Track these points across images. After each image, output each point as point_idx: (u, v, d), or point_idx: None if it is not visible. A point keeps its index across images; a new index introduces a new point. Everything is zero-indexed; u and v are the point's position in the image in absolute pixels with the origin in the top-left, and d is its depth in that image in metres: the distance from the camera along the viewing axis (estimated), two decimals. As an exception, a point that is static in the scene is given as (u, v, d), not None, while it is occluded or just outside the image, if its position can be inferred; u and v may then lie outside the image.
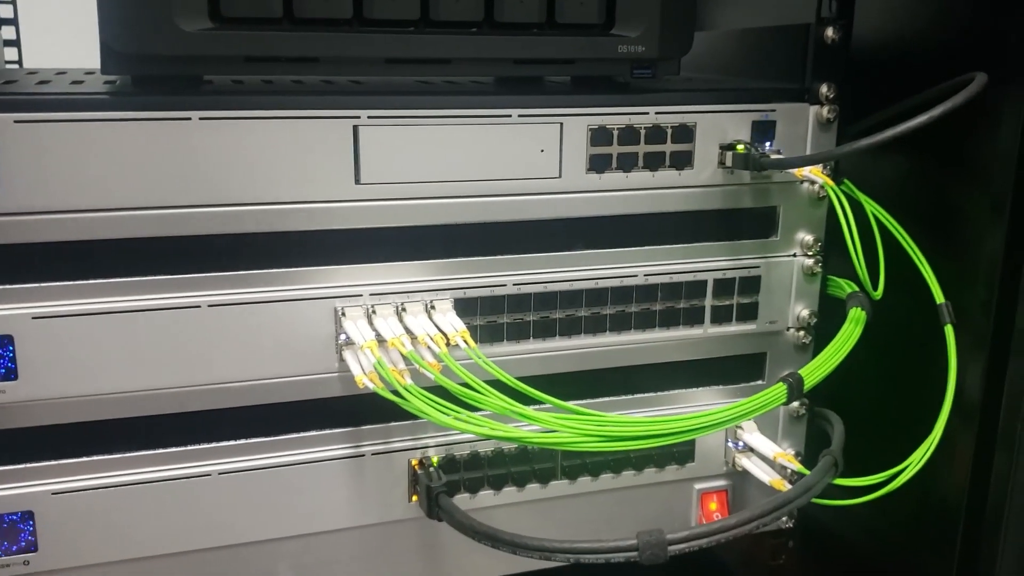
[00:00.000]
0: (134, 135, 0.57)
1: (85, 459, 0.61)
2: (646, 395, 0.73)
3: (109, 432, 0.61)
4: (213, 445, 0.63)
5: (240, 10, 0.56)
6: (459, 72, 0.63)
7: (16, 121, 0.55)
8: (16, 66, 0.97)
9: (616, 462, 0.72)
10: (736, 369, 0.75)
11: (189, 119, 0.58)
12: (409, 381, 0.59)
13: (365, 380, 0.59)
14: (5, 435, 0.59)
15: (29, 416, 0.59)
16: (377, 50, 0.60)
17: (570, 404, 0.59)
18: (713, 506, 0.76)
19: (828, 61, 0.70)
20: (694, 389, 0.74)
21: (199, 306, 0.60)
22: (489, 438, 0.57)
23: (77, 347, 0.59)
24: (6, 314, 0.57)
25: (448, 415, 0.56)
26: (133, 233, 0.58)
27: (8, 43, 0.97)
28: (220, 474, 0.63)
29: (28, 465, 0.60)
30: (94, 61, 0.81)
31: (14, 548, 0.61)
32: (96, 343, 0.59)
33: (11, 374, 0.58)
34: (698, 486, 0.76)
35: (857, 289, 0.71)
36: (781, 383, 0.64)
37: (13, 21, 0.96)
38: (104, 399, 0.60)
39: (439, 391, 0.58)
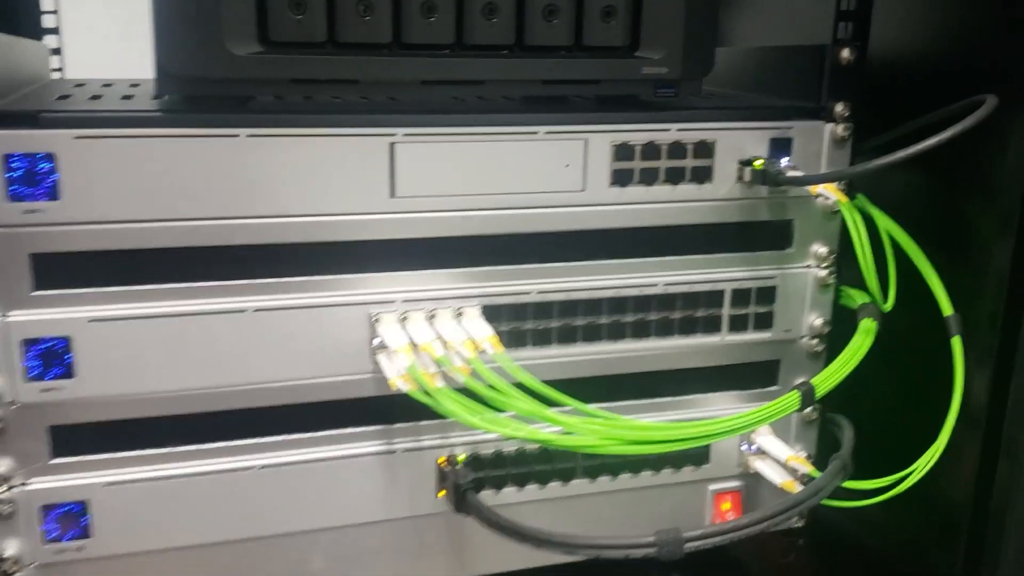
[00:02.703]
0: (186, 151, 0.61)
1: (136, 453, 0.65)
2: (664, 399, 0.76)
3: (159, 428, 0.65)
4: (255, 441, 0.67)
5: (287, 35, 0.60)
6: (490, 93, 0.66)
7: (76, 137, 0.59)
8: (59, 74, 1.01)
9: (635, 463, 0.75)
10: (751, 375, 0.78)
11: (237, 136, 0.61)
12: (440, 384, 0.62)
13: (398, 382, 0.63)
14: (62, 430, 0.63)
15: (85, 412, 0.63)
16: (414, 73, 0.63)
17: (593, 408, 0.63)
18: (726, 506, 0.79)
19: (843, 81, 0.73)
20: (710, 394, 0.77)
21: (244, 311, 0.64)
22: (517, 439, 0.61)
23: (130, 348, 0.62)
24: (65, 317, 0.61)
25: (478, 417, 0.60)
26: (183, 243, 0.62)
27: (52, 51, 1.00)
28: (262, 468, 0.67)
29: (83, 458, 0.64)
30: (133, 68, 0.85)
31: (68, 535, 0.65)
32: (148, 345, 0.62)
33: (69, 373, 0.62)
34: (712, 487, 0.79)
35: (868, 300, 0.74)
36: (795, 391, 0.67)
37: (56, 31, 1.00)
38: (154, 397, 0.64)
39: (467, 393, 0.62)
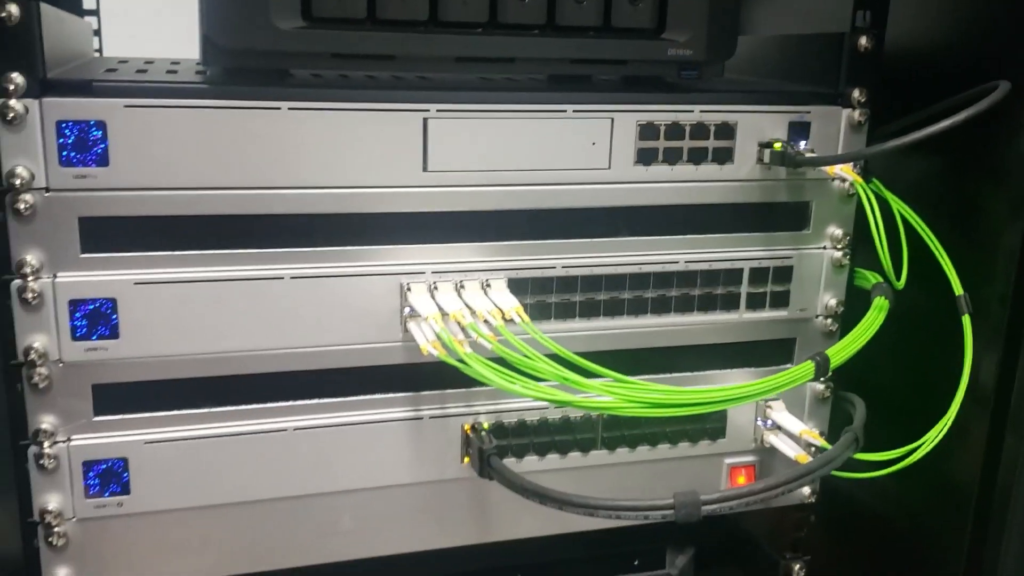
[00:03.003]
0: (229, 122, 0.63)
1: (175, 412, 0.68)
2: (682, 375, 0.78)
3: (197, 389, 0.67)
4: (289, 403, 0.70)
5: (329, 11, 0.62)
6: (521, 70, 0.69)
7: (126, 106, 0.62)
8: (97, 54, 1.03)
9: (652, 435, 0.78)
10: (767, 353, 0.80)
11: (279, 108, 0.64)
12: (469, 350, 0.65)
13: (429, 348, 0.65)
14: (106, 388, 0.66)
15: (127, 372, 0.66)
16: (448, 49, 0.66)
17: (616, 374, 0.65)
18: (742, 479, 0.81)
19: (861, 68, 0.75)
20: (727, 370, 0.79)
21: (282, 278, 0.66)
22: (544, 401, 0.63)
23: (172, 311, 0.65)
24: (111, 279, 0.64)
25: (508, 380, 0.62)
26: (225, 210, 0.65)
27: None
28: (295, 430, 0.70)
29: (125, 416, 0.67)
30: (166, 50, 0.88)
31: (108, 491, 0.67)
32: (190, 308, 0.65)
33: (114, 333, 0.64)
34: (728, 461, 0.81)
35: (882, 280, 0.77)
36: (809, 361, 0.69)
37: (96, 12, 1.03)
38: (194, 359, 0.66)
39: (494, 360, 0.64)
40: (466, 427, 0.73)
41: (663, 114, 0.71)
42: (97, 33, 1.03)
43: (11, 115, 0.59)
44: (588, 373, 0.64)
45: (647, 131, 0.71)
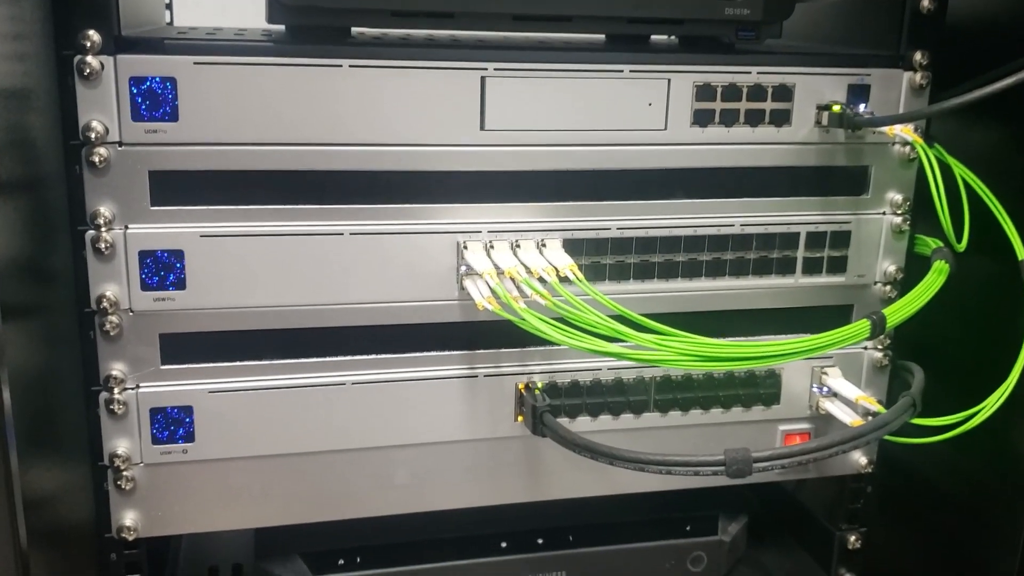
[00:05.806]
0: (293, 79, 0.65)
1: (238, 363, 0.70)
2: (737, 339, 0.78)
3: (260, 341, 0.69)
4: (348, 358, 0.71)
5: (390, -31, 0.64)
6: (578, 29, 0.69)
7: (196, 63, 0.64)
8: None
9: (705, 399, 0.78)
10: (823, 319, 0.79)
11: (340, 66, 0.66)
12: (523, 305, 0.66)
13: (484, 303, 0.66)
14: (172, 338, 0.68)
15: (193, 322, 0.68)
16: (507, 7, 0.67)
17: (668, 328, 0.65)
18: (796, 447, 0.81)
19: (923, 30, 0.74)
20: (782, 336, 0.79)
21: (342, 234, 0.68)
22: (594, 352, 0.63)
23: (237, 264, 0.67)
24: (179, 231, 0.66)
25: (560, 332, 0.63)
26: (288, 166, 0.66)
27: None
28: (353, 384, 0.71)
29: (190, 365, 0.69)
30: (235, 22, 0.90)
31: (175, 438, 0.70)
32: (253, 261, 0.67)
33: (181, 284, 0.67)
34: (783, 427, 0.81)
35: (942, 245, 0.76)
36: (865, 319, 0.68)
37: (168, -12, 1.07)
38: (257, 311, 0.69)
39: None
40: (520, 386, 0.74)
41: (720, 75, 0.71)
42: (169, 7, 1.06)
43: (87, 71, 0.62)
44: (640, 328, 0.64)
45: (704, 92, 0.71)
